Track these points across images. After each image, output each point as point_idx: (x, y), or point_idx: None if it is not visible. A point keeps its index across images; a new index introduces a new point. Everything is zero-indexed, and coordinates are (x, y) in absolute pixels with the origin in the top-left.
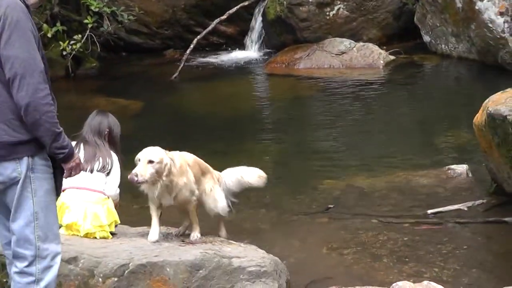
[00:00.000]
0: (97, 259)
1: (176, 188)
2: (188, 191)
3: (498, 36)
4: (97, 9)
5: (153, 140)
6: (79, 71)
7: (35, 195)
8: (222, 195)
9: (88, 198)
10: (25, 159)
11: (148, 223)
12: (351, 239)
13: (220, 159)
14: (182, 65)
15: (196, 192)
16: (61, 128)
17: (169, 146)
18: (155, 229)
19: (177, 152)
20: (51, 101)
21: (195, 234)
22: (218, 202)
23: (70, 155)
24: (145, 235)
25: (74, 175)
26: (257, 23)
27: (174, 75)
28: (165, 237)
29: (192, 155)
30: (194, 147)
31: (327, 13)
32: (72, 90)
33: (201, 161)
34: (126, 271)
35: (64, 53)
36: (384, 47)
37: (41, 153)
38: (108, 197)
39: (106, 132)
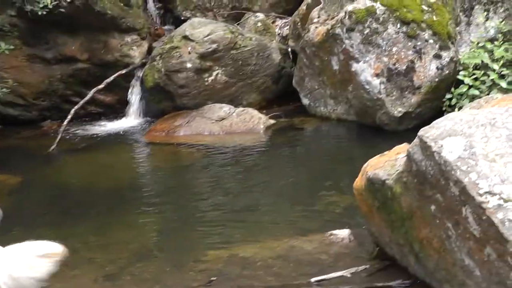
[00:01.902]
0: None
1: None
2: None
3: (375, 98)
4: None
5: (32, 217)
6: None
7: None
8: None
9: None
10: None
11: None
12: None
13: (101, 233)
14: (59, 136)
15: None
16: None
17: (49, 223)
18: None
19: None
20: None
21: None
22: None
23: None
24: None
25: None
26: (136, 91)
27: (52, 147)
28: None
29: None
30: (74, 221)
31: (206, 79)
32: None
33: None
34: None
35: None
36: (264, 111)
37: None
38: None
39: None
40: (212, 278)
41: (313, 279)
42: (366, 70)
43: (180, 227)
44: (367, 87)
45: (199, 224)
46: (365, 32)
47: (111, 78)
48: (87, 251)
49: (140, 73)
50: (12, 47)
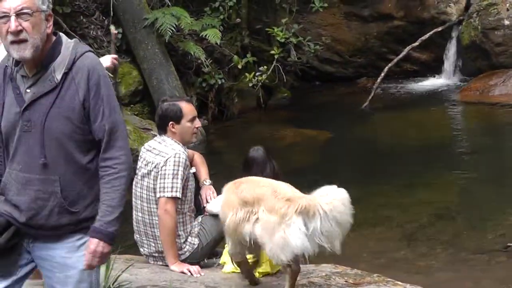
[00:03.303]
0: None
1: None
2: None
3: None
4: (283, 40)
5: (336, 172)
6: (270, 101)
7: None
8: (284, 234)
9: None
10: None
11: None
12: None
13: (404, 193)
14: (372, 93)
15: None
16: None
17: (352, 179)
18: None
19: None
20: None
21: None
22: (274, 246)
23: None
24: (308, 274)
25: None
26: (452, 49)
27: (364, 104)
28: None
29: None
30: (379, 179)
31: None
32: (262, 120)
33: (250, 188)
34: None
35: (251, 84)
36: None
37: None
38: None
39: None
40: (509, 244)
41: None
42: None
43: (484, 189)
44: None
45: (503, 188)
46: None
47: (427, 35)
48: (387, 209)
49: (456, 31)
50: (326, 4)
